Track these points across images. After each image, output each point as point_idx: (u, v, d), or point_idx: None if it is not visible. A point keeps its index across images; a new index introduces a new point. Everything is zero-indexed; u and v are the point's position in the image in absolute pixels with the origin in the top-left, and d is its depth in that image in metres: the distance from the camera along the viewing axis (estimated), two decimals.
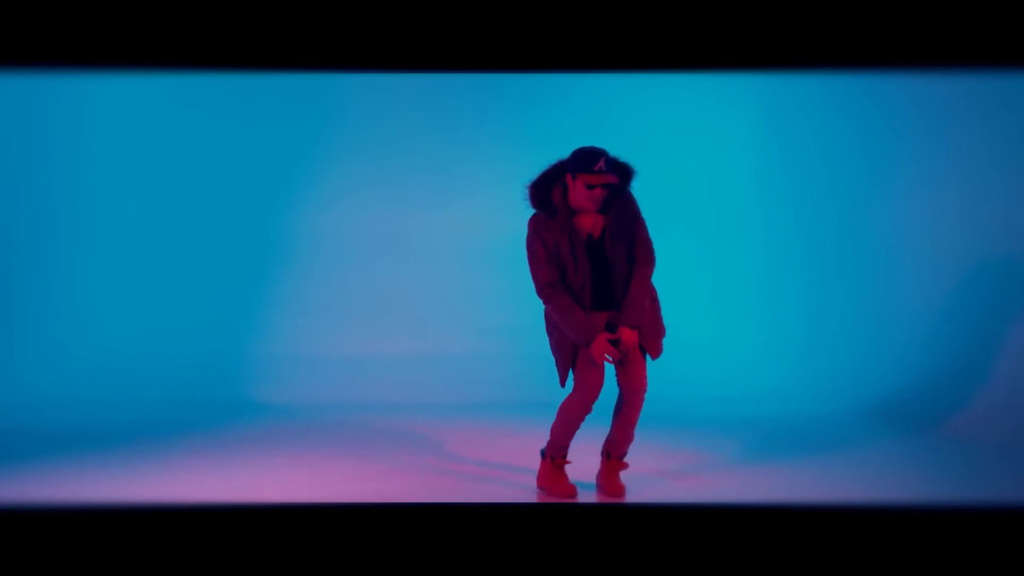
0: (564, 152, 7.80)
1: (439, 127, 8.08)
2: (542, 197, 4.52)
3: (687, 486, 4.97)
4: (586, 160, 4.45)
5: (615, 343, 4.56)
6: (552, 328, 4.66)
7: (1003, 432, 5.82)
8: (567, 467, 4.80)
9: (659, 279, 7.98)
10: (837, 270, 7.60)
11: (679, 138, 8.20)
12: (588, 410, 4.62)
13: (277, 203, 7.95)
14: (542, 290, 4.53)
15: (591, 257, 4.55)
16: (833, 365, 7.31)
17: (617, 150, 7.97)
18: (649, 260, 4.67)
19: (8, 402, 6.66)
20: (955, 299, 6.73)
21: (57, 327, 7.47)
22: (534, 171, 5.84)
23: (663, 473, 5.20)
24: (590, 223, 4.55)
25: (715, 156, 8.23)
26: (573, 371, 4.61)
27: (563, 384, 4.68)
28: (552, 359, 4.74)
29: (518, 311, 7.75)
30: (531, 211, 4.57)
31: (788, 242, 8.00)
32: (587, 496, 4.75)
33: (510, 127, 8.14)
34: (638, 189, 7.95)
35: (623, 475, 4.89)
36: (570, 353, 4.58)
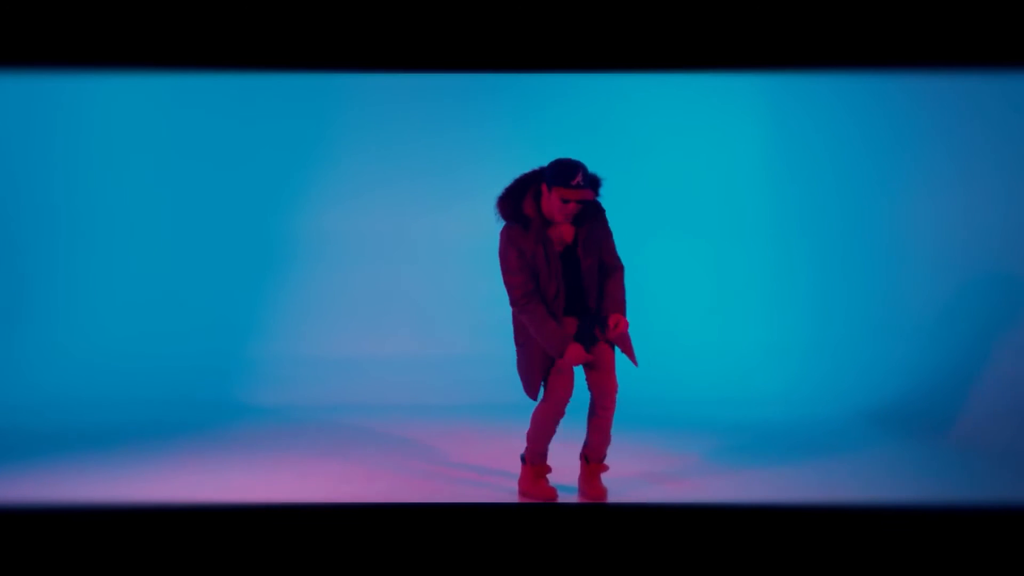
0: (572, 152, 7.89)
1: (441, 128, 8.05)
2: (513, 210, 4.49)
3: (673, 489, 4.94)
4: (564, 173, 4.41)
5: (591, 346, 4.58)
6: (523, 340, 4.61)
7: (1006, 436, 5.75)
8: (550, 471, 4.79)
9: (663, 280, 8.02)
10: (842, 272, 7.55)
11: (684, 138, 8.16)
12: (561, 414, 4.62)
13: (278, 204, 7.95)
14: (517, 300, 4.49)
15: (565, 266, 4.54)
16: (836, 369, 7.24)
17: (622, 150, 8.06)
18: (621, 267, 4.69)
19: (8, 402, 6.68)
20: (960, 302, 6.67)
21: (58, 327, 7.49)
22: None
23: (653, 475, 5.17)
24: (562, 232, 4.53)
25: (720, 157, 8.17)
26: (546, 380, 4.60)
27: (535, 397, 4.64)
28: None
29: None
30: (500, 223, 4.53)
31: (793, 243, 7.94)
32: (569, 499, 4.73)
33: (514, 128, 8.11)
34: (645, 189, 7.98)
35: (612, 478, 4.87)
36: (542, 365, 4.55)
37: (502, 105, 8.12)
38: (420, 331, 7.81)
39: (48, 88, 7.38)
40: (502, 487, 4.90)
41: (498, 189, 7.46)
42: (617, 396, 4.68)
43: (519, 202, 4.49)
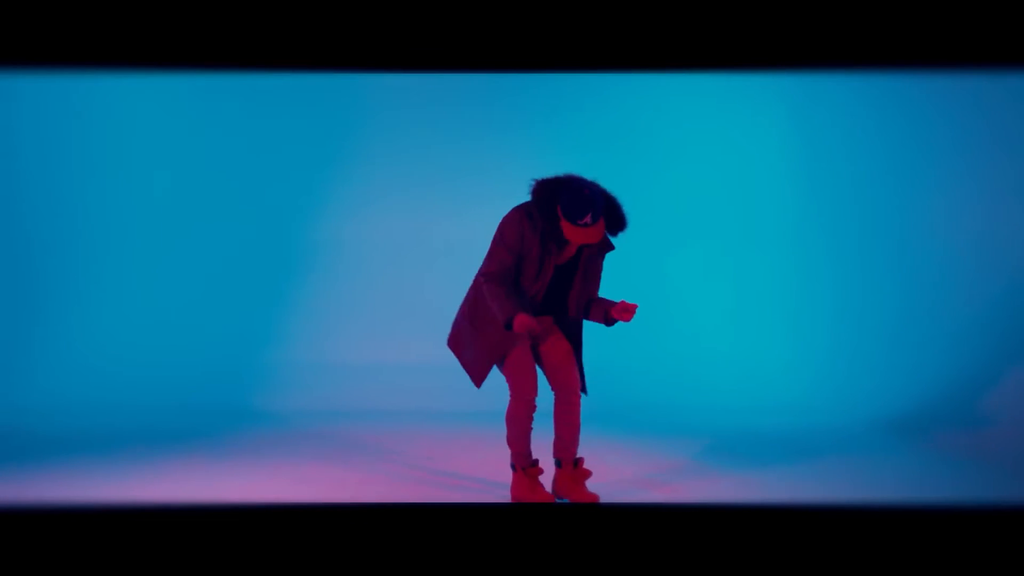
0: (591, 156, 7.93)
1: (463, 133, 8.03)
2: (546, 201, 4.41)
3: (676, 493, 4.91)
4: (575, 210, 4.32)
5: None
6: (473, 320, 4.57)
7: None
8: (541, 472, 4.74)
9: (681, 285, 8.00)
10: (861, 279, 7.48)
11: (703, 142, 8.11)
12: (532, 409, 4.58)
13: (297, 210, 7.96)
14: (491, 273, 4.46)
15: (557, 273, 4.54)
16: (855, 376, 7.17)
17: (642, 154, 8.05)
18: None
19: (22, 404, 6.73)
20: (980, 310, 6.61)
21: (75, 332, 7.52)
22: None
23: (656, 479, 5.15)
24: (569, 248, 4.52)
25: (739, 160, 8.12)
26: (506, 376, 4.58)
27: (479, 384, 4.62)
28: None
29: None
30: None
31: (812, 249, 7.87)
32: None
33: (536, 132, 8.09)
34: (665, 193, 7.97)
35: (616, 480, 4.88)
36: (493, 351, 4.52)
37: (523, 109, 8.11)
38: (439, 337, 7.81)
39: (68, 90, 7.42)
40: (499, 495, 4.84)
41: (518, 195, 7.56)
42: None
43: (553, 205, 4.40)
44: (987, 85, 6.35)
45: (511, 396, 4.57)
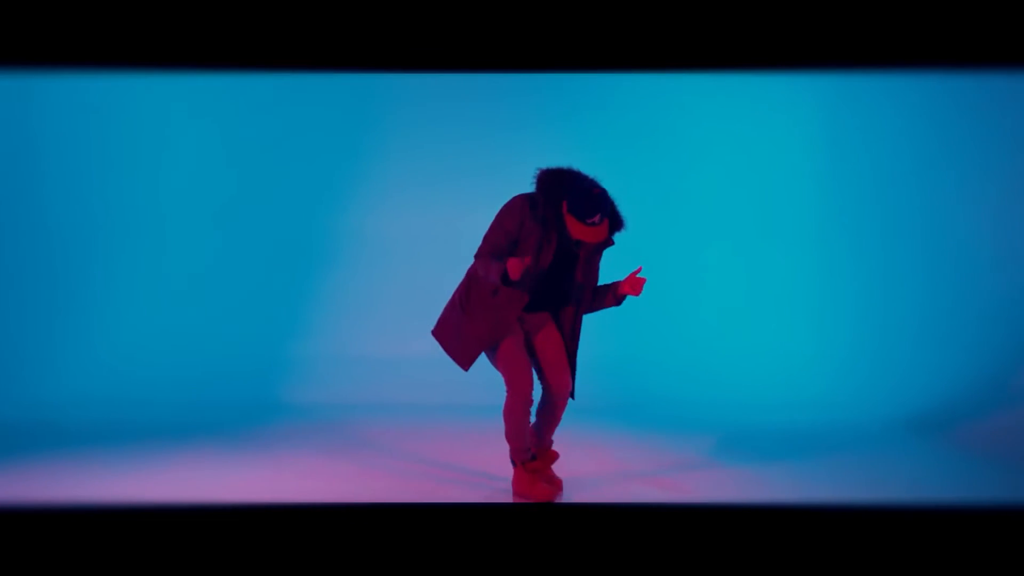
0: (613, 154, 7.92)
1: (489, 128, 8.06)
2: (552, 194, 4.43)
3: (687, 489, 4.92)
4: (583, 208, 4.33)
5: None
6: (464, 305, 4.58)
7: None
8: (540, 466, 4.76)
9: (705, 280, 7.97)
10: (883, 276, 7.44)
11: (728, 139, 8.09)
12: (529, 403, 4.58)
13: (321, 204, 8.02)
14: (479, 253, 4.48)
15: (553, 265, 4.55)
16: (877, 374, 7.13)
17: (667, 151, 8.03)
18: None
19: (49, 400, 6.81)
20: (1003, 308, 6.55)
21: (100, 327, 7.60)
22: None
23: (666, 476, 5.17)
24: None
25: (763, 158, 8.09)
26: (501, 371, 4.59)
27: (467, 368, 4.62)
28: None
29: None
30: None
31: (836, 246, 7.83)
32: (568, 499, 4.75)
33: (560, 129, 8.09)
34: (690, 192, 7.94)
35: (625, 478, 4.92)
36: (484, 336, 4.53)
37: (550, 106, 8.12)
38: None
39: (94, 89, 7.52)
40: (502, 489, 4.87)
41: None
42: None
43: (559, 199, 4.43)
44: (1009, 84, 6.29)
45: (507, 391, 4.57)
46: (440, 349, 4.81)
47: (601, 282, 4.74)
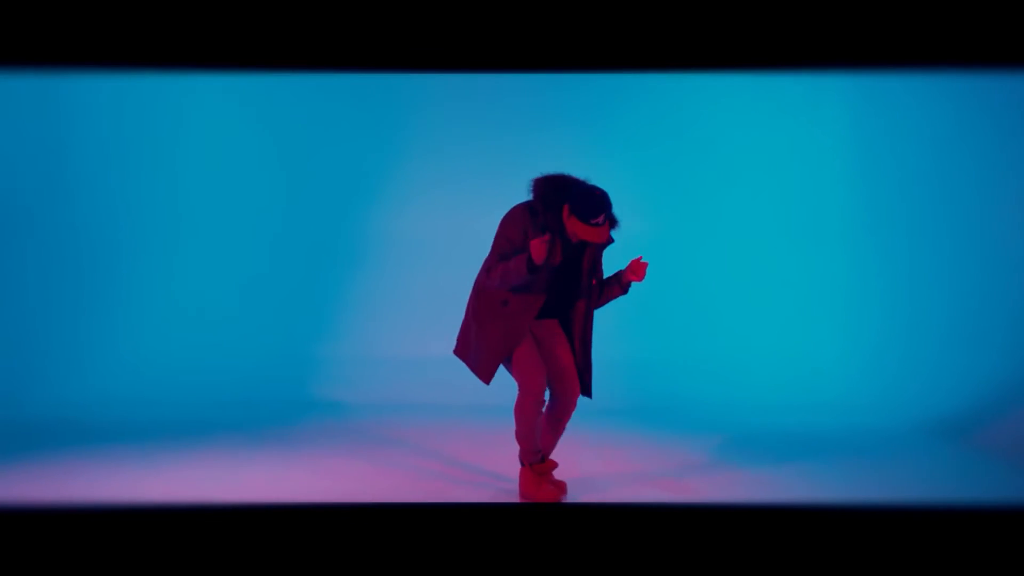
0: (640, 155, 7.89)
1: (515, 128, 8.06)
2: (551, 203, 4.48)
3: (693, 490, 4.91)
4: (587, 209, 4.37)
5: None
6: (484, 319, 4.60)
7: None
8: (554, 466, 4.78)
9: (730, 283, 7.91)
10: (910, 278, 7.36)
11: (756, 140, 8.05)
12: (541, 403, 4.61)
13: (350, 205, 8.07)
14: (489, 268, 4.50)
15: (559, 269, 4.57)
16: (902, 377, 7.06)
17: (694, 151, 8.00)
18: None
19: (65, 398, 6.88)
20: None
21: (129, 326, 7.67)
22: (609, 173, 5.76)
23: (673, 477, 5.14)
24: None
25: (789, 159, 8.04)
26: (513, 373, 4.62)
27: (488, 381, 4.65)
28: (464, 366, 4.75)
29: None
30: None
31: (864, 248, 7.77)
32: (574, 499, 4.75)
33: (588, 129, 8.10)
34: (719, 196, 7.90)
35: (637, 477, 4.92)
36: (501, 346, 4.56)
37: (577, 106, 8.11)
38: None
39: (121, 89, 7.60)
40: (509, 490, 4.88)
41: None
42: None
43: (557, 204, 4.47)
44: None
45: (520, 391, 4.60)
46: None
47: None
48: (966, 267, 6.97)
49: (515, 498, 4.74)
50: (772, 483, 5.04)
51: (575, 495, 4.79)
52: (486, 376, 4.65)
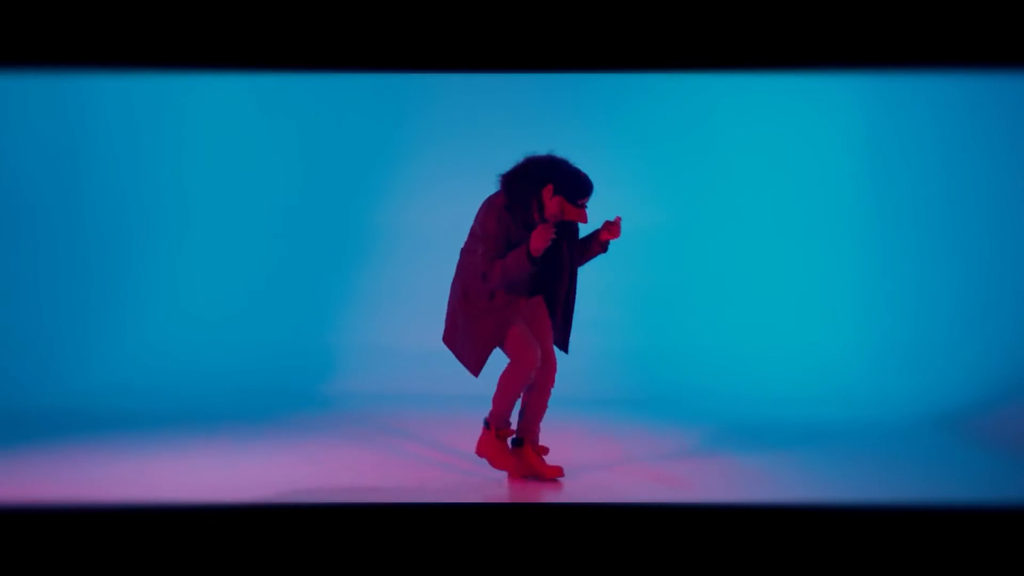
0: (651, 152, 7.91)
1: (522, 123, 8.07)
2: (521, 196, 4.58)
3: (691, 486, 4.93)
4: (577, 190, 4.53)
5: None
6: (476, 314, 4.64)
7: None
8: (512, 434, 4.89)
9: (741, 277, 7.94)
10: (918, 273, 7.38)
11: (772, 139, 8.07)
12: (528, 381, 4.68)
13: (358, 198, 8.13)
14: (491, 259, 4.54)
15: (545, 255, 4.65)
16: (910, 371, 7.07)
17: (709, 149, 8.02)
18: None
19: (75, 386, 6.97)
20: None
21: (137, 319, 7.76)
22: (614, 169, 5.75)
23: (667, 472, 5.18)
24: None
25: (800, 156, 8.05)
26: (507, 350, 4.66)
27: (478, 373, 4.71)
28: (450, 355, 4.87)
29: (600, 305, 7.78)
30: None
31: (873, 243, 7.79)
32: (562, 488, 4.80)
33: (600, 125, 8.14)
34: (741, 187, 7.93)
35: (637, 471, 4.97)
36: (492, 337, 4.62)
37: (589, 103, 8.15)
38: None
39: (131, 87, 7.70)
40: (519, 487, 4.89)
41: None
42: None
43: (529, 187, 4.57)
44: None
45: (512, 362, 4.66)
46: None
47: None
48: (973, 262, 6.99)
49: (514, 492, 4.78)
50: (775, 477, 5.08)
51: (570, 481, 4.84)
52: (476, 368, 4.71)
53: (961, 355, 6.86)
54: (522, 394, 4.83)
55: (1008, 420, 6.07)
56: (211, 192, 8.06)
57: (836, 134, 7.94)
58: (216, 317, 7.85)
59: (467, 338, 4.71)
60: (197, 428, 6.00)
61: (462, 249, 4.78)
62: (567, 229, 4.77)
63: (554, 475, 4.81)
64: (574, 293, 4.83)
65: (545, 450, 4.91)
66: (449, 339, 4.83)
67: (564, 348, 4.89)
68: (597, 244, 4.76)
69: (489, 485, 4.85)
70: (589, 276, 7.86)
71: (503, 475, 4.97)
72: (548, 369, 4.81)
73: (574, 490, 4.77)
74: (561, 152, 7.85)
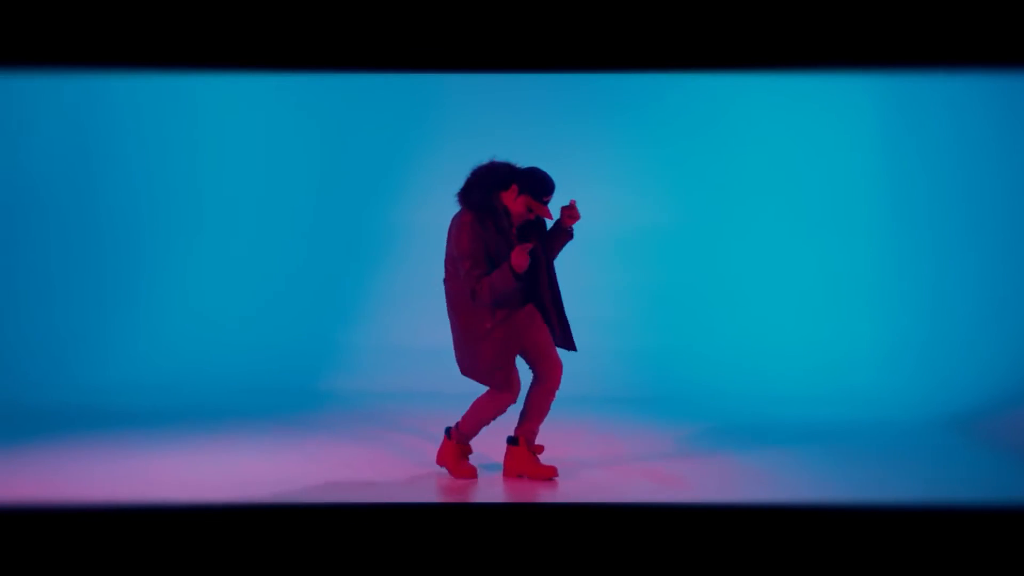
0: (666, 152, 7.91)
1: (542, 123, 8.10)
2: (482, 201, 4.62)
3: (690, 486, 4.94)
4: (540, 188, 4.61)
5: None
6: (483, 331, 4.67)
7: None
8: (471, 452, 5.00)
9: (753, 276, 7.92)
10: (934, 273, 7.34)
11: (789, 140, 8.05)
12: (502, 412, 4.81)
13: (373, 198, 8.17)
14: (477, 276, 4.57)
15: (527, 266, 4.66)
16: (922, 372, 7.05)
17: (726, 150, 8.01)
18: None
19: (101, 385, 7.09)
20: None
21: (151, 317, 7.84)
22: (629, 170, 5.69)
23: (664, 471, 5.18)
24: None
25: (815, 157, 8.02)
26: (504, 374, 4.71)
27: (506, 388, 4.73)
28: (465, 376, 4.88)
29: (615, 304, 7.80)
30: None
31: (889, 244, 7.75)
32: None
33: (615, 125, 8.16)
34: (756, 187, 7.92)
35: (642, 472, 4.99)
36: (510, 350, 4.68)
37: (606, 102, 8.16)
38: None
39: (148, 87, 7.80)
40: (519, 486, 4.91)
41: (593, 184, 7.61)
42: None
43: (489, 194, 4.63)
44: None
45: (492, 390, 4.74)
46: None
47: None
48: (988, 263, 6.95)
49: (504, 489, 4.81)
50: (783, 477, 5.09)
51: (569, 481, 4.87)
52: (498, 383, 4.73)
53: (975, 356, 6.81)
54: (529, 394, 4.89)
55: (1020, 422, 6.01)
56: (223, 192, 8.13)
57: (850, 134, 7.91)
58: (227, 316, 7.91)
59: (479, 360, 4.73)
60: (206, 426, 6.08)
61: (444, 280, 4.81)
62: (537, 230, 4.81)
63: (548, 475, 4.84)
64: (558, 289, 4.86)
65: (540, 449, 4.93)
66: (468, 370, 4.84)
67: (571, 347, 4.90)
68: (563, 233, 4.81)
69: (489, 485, 4.88)
70: (601, 276, 7.94)
71: (499, 475, 5.02)
72: (554, 371, 4.83)
73: (573, 490, 4.79)
74: (573, 150, 8.00)
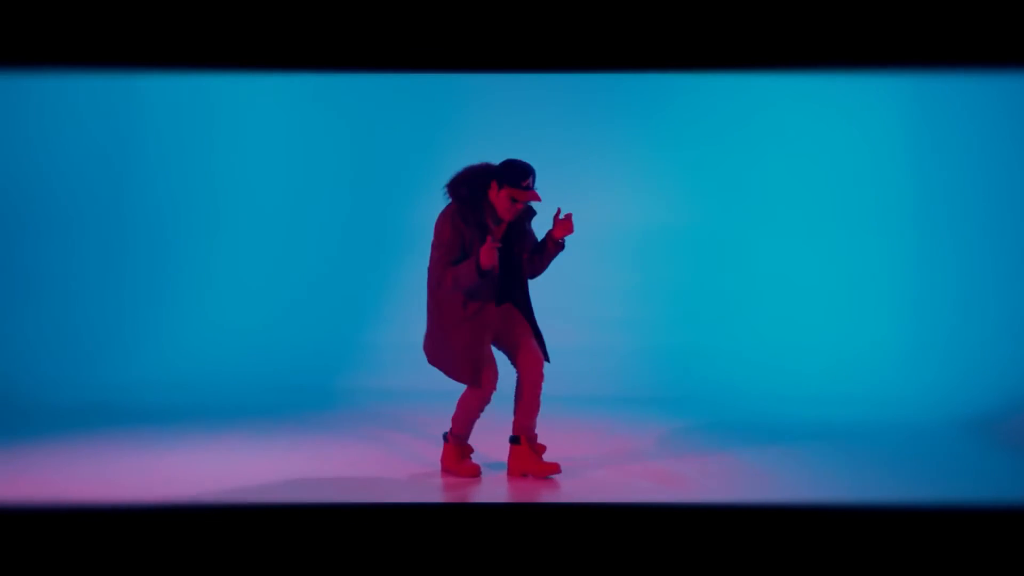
0: (693, 153, 7.91)
1: (567, 123, 8.18)
2: (468, 195, 4.68)
3: (692, 486, 4.96)
4: (517, 175, 4.63)
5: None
6: (453, 322, 4.73)
7: None
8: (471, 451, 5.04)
9: (771, 276, 7.89)
10: (955, 274, 7.29)
11: (808, 140, 8.04)
12: (487, 403, 4.84)
13: (394, 197, 8.24)
14: (444, 265, 4.64)
15: (501, 254, 4.73)
16: (941, 373, 7.01)
17: (756, 148, 8.00)
18: None
19: (120, 382, 7.21)
20: None
21: (182, 313, 7.96)
22: (644, 170, 5.65)
23: (676, 471, 5.20)
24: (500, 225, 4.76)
25: (839, 158, 8.01)
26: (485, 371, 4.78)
27: (476, 383, 4.79)
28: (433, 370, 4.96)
29: (634, 303, 7.81)
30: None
31: (909, 244, 7.71)
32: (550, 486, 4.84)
33: (636, 125, 8.20)
34: (776, 188, 7.89)
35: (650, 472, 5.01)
36: (481, 342, 4.72)
37: (630, 102, 8.20)
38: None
39: (175, 87, 7.92)
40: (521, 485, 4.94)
41: (613, 185, 7.63)
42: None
43: (476, 190, 4.68)
44: None
45: (471, 386, 4.80)
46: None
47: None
48: (1008, 265, 6.89)
49: (507, 489, 4.84)
50: (795, 477, 5.12)
51: (572, 480, 4.90)
52: (471, 378, 4.80)
53: (995, 357, 6.76)
54: (515, 390, 4.93)
55: None
56: (244, 192, 8.23)
57: (872, 132, 7.88)
58: (247, 314, 8.00)
59: (447, 351, 4.82)
60: (219, 424, 6.18)
61: (428, 268, 4.87)
62: (519, 234, 4.84)
63: (551, 472, 4.87)
64: (528, 300, 4.92)
65: (543, 448, 4.96)
66: (434, 359, 4.93)
67: (546, 357, 4.96)
68: (552, 244, 4.84)
69: (492, 485, 4.92)
70: (618, 275, 7.95)
71: (503, 475, 5.07)
72: (533, 365, 4.88)
73: (576, 489, 4.82)
74: (592, 151, 8.02)
